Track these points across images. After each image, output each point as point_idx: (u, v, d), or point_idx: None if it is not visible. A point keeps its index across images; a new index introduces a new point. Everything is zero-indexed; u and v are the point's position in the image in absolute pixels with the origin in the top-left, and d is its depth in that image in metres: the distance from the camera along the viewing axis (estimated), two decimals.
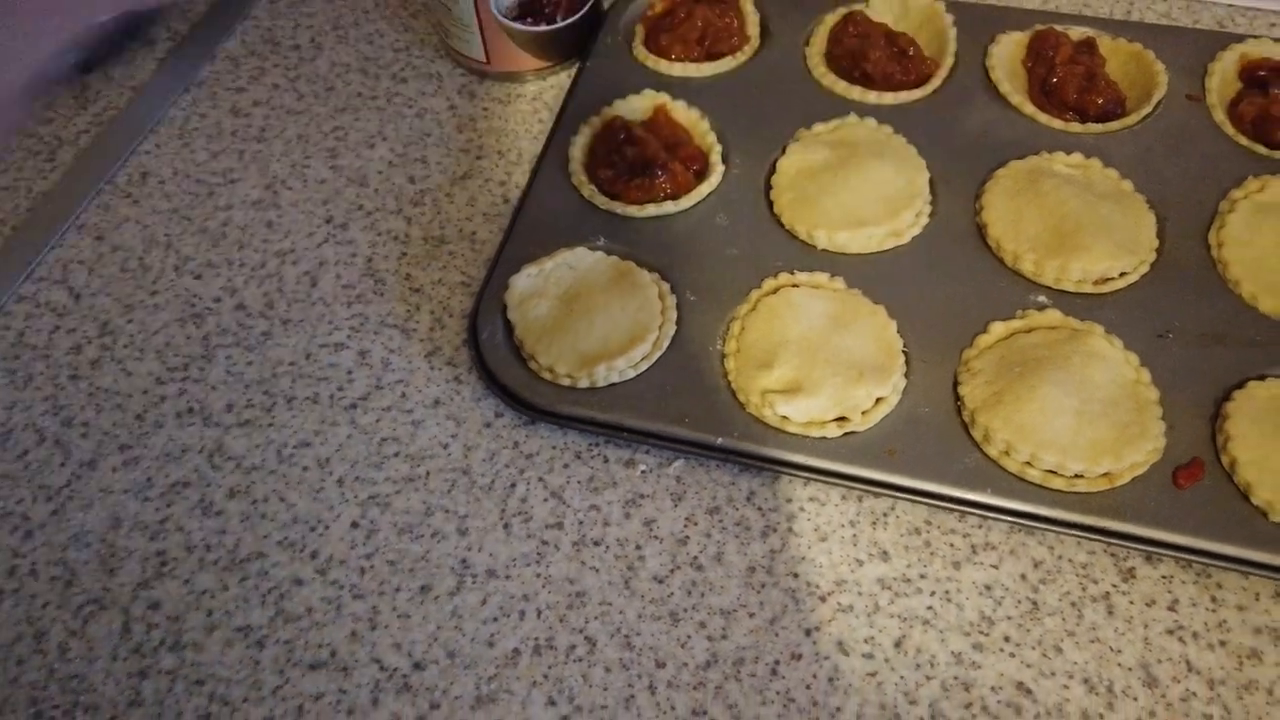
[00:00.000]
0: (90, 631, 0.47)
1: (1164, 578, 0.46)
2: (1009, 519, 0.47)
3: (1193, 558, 0.45)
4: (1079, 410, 0.47)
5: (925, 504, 0.48)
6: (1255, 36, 0.63)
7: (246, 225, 0.61)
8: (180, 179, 0.64)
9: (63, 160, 0.65)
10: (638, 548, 0.48)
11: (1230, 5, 0.70)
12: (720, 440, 0.49)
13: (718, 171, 0.59)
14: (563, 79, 0.68)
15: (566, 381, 0.51)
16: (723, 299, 0.54)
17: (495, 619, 0.46)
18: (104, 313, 0.58)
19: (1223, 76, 0.61)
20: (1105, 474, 0.46)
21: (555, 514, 0.49)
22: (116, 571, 0.48)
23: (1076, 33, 0.64)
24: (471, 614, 0.46)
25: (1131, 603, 0.46)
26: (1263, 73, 0.61)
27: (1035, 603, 0.46)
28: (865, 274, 0.54)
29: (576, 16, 0.65)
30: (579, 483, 0.50)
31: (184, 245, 0.61)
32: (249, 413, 0.53)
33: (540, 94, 0.68)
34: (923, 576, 0.47)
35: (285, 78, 0.70)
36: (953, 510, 0.48)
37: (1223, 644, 0.44)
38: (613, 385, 0.51)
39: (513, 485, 0.50)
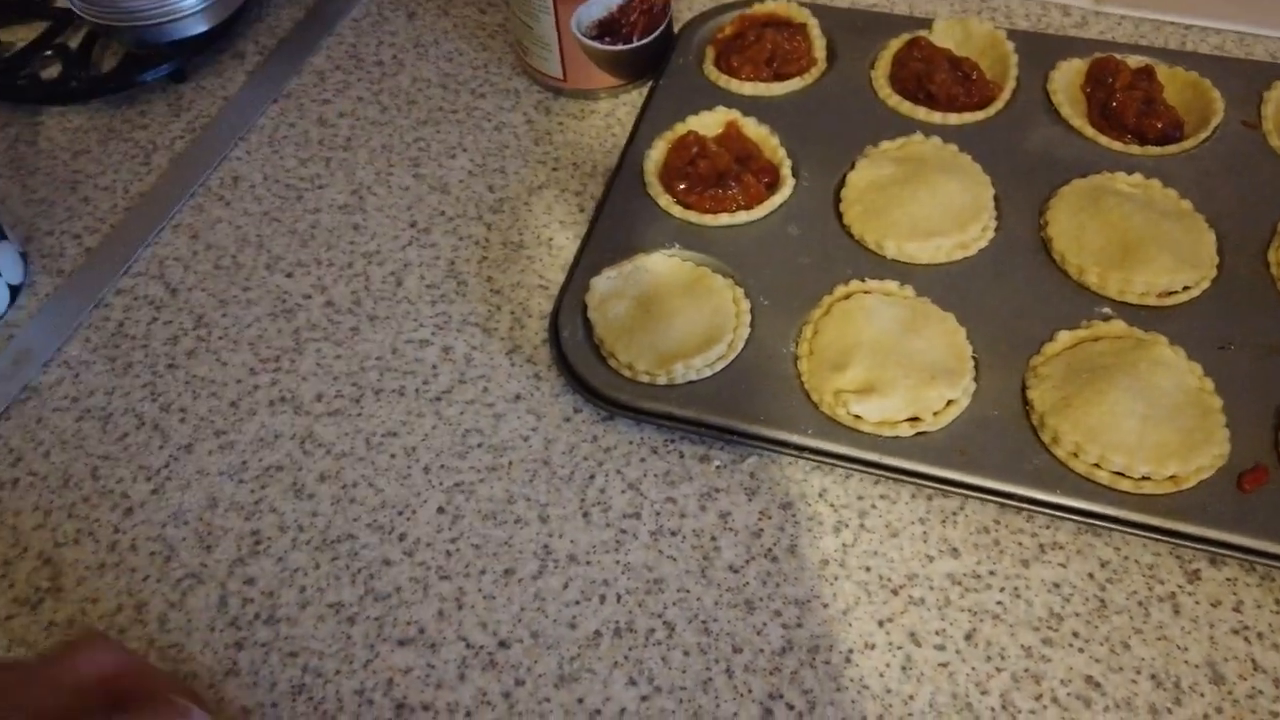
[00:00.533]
0: (189, 604, 0.49)
1: (1229, 580, 0.47)
2: (1077, 519, 0.48)
3: (1257, 560, 0.46)
4: (1146, 415, 0.49)
5: (995, 503, 0.49)
6: None
7: (334, 228, 0.64)
8: (270, 183, 0.67)
9: (158, 164, 0.69)
10: (713, 538, 0.50)
11: None
12: (794, 437, 0.51)
13: (789, 184, 0.61)
14: (634, 97, 0.71)
15: (645, 379, 0.53)
16: (795, 304, 0.56)
17: (577, 602, 0.48)
18: (199, 306, 0.61)
19: (1278, 105, 0.63)
20: (1172, 477, 0.48)
21: (633, 504, 0.51)
22: (213, 548, 0.50)
23: (1134, 61, 0.66)
24: (554, 596, 0.48)
25: (1197, 603, 0.47)
26: None
27: (1103, 600, 0.47)
28: (934, 283, 0.56)
29: (651, 37, 0.68)
30: (655, 476, 0.52)
31: (274, 245, 0.64)
32: (338, 403, 0.56)
33: (613, 110, 0.70)
34: (992, 573, 0.48)
35: (369, 91, 0.73)
36: (1021, 510, 0.49)
37: None
38: (690, 383, 0.53)
39: (591, 476, 0.52)
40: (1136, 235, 0.55)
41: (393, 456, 0.53)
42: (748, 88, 0.67)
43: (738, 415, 0.52)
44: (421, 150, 0.69)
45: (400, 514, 0.51)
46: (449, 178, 0.67)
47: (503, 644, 0.47)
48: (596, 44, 0.66)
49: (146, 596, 0.49)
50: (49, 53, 0.76)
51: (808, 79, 0.67)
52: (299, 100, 0.72)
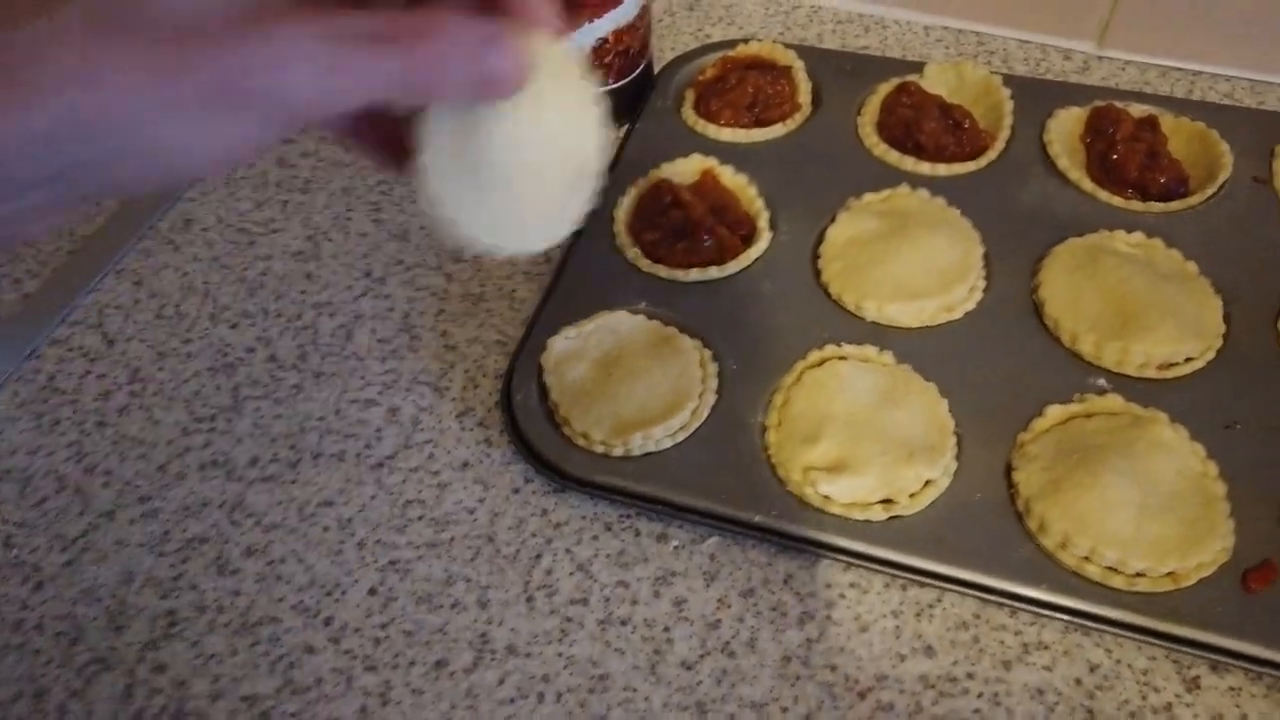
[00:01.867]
0: (91, 693, 0.45)
1: (1231, 689, 0.43)
2: (1065, 617, 0.44)
3: (1263, 669, 0.42)
4: (1142, 503, 0.44)
5: (975, 596, 0.45)
6: None
7: (285, 275, 0.61)
8: (223, 227, 0.64)
9: (106, 205, 0.66)
10: (666, 629, 0.46)
11: None
12: (758, 518, 0.47)
13: (765, 237, 0.57)
14: (613, 141, 0.67)
15: (600, 449, 0.49)
16: (766, 369, 0.52)
17: (513, 700, 0.44)
18: (136, 359, 0.57)
19: None
20: (1170, 574, 0.43)
21: (581, 589, 0.47)
22: (124, 630, 0.47)
23: (1137, 110, 0.62)
24: (488, 693, 0.44)
25: (1195, 715, 0.42)
26: None
27: (1091, 710, 0.42)
28: (916, 349, 0.52)
29: (627, 79, 0.64)
30: (608, 556, 0.48)
31: (221, 293, 0.60)
32: (273, 467, 0.52)
33: None
34: (970, 676, 0.44)
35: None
36: (1004, 605, 0.45)
37: None
38: (648, 454, 0.49)
39: (538, 556, 0.48)
40: (1136, 300, 0.51)
41: (326, 529, 0.50)
42: (726, 133, 0.63)
43: (697, 492, 0.48)
44: (384, 194, 0.65)
45: (329, 594, 0.47)
46: (410, 224, 0.63)
47: None
48: None
49: (48, 683, 0.45)
50: None
51: (791, 125, 0.64)
52: None
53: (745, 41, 0.68)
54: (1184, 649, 0.43)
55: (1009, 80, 0.64)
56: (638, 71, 0.65)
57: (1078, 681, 0.43)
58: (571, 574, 0.47)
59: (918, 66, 0.65)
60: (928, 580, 0.45)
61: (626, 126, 0.65)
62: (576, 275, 0.57)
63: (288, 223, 0.64)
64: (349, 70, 0.26)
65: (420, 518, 0.50)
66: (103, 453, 0.53)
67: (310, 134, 0.70)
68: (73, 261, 0.62)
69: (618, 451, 0.49)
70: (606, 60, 0.62)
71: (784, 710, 0.43)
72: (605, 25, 0.61)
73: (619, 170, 0.62)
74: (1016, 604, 0.44)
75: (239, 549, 0.49)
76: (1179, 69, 0.69)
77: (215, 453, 0.53)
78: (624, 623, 0.46)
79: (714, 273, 0.55)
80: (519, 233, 0.35)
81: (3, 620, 0.47)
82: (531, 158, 0.33)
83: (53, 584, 0.48)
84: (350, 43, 0.26)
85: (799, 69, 0.66)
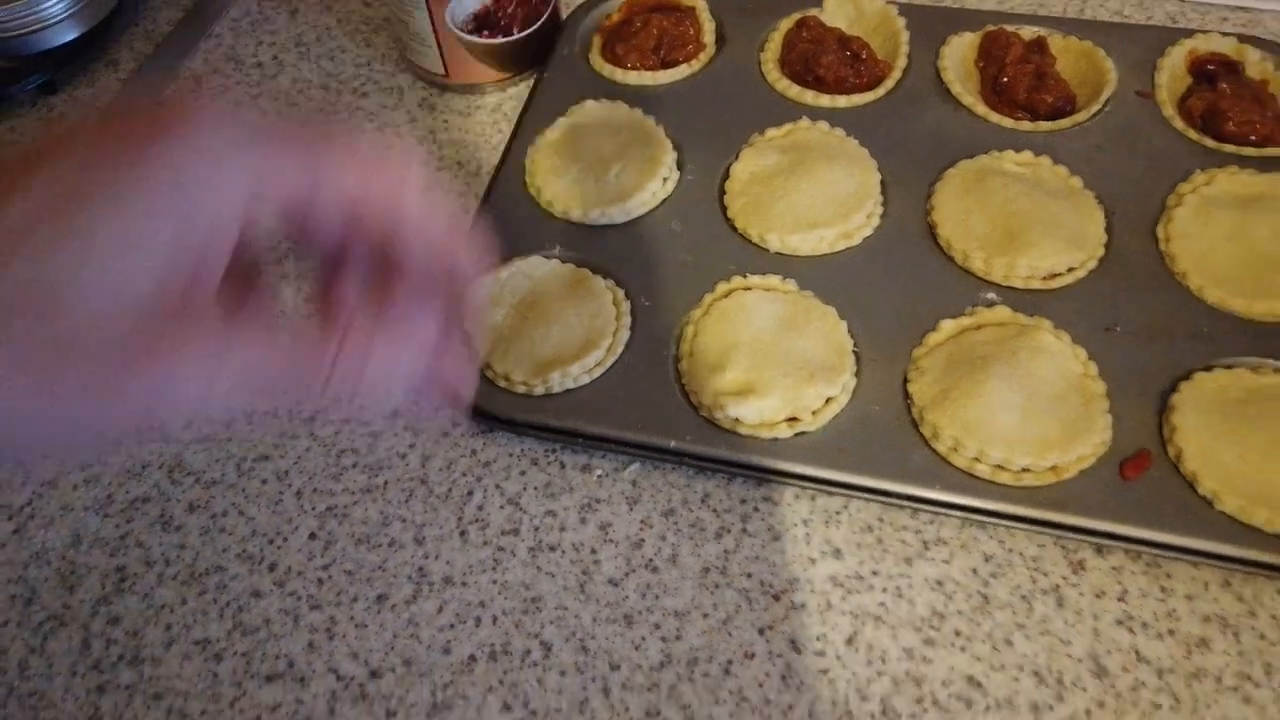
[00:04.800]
0: (50, 648, 0.47)
1: (1114, 569, 0.46)
2: (959, 514, 0.47)
3: (1142, 548, 0.46)
4: (1025, 405, 0.48)
5: (878, 501, 0.48)
6: (1204, 31, 0.63)
7: None
8: None
9: None
10: (593, 551, 0.48)
11: (1182, 0, 0.70)
12: (674, 443, 0.49)
13: (672, 178, 0.59)
14: (522, 90, 0.68)
15: (522, 389, 0.52)
16: (676, 304, 0.54)
17: (451, 625, 0.47)
18: None
19: (1172, 72, 0.62)
20: (1052, 467, 0.47)
21: (512, 520, 0.50)
22: (76, 588, 0.49)
23: (1028, 32, 0.64)
24: (428, 621, 0.47)
25: (1081, 594, 0.46)
26: (1211, 67, 0.62)
27: (986, 596, 0.46)
28: (817, 276, 0.54)
29: (533, 28, 0.65)
30: (535, 489, 0.51)
31: None
32: (208, 428, 0.54)
33: (500, 105, 0.68)
34: (875, 573, 0.47)
35: (247, 95, 0.70)
36: (904, 507, 0.48)
37: (1171, 633, 0.45)
38: (568, 391, 0.51)
39: (470, 493, 0.51)
40: (1022, 217, 0.54)
41: (264, 482, 0.52)
42: (633, 77, 0.64)
43: (616, 423, 0.50)
44: None
45: (270, 542, 0.50)
46: None
47: (374, 674, 0.45)
48: (474, 38, 0.64)
49: (6, 643, 0.47)
50: None
51: (695, 65, 0.65)
52: None
53: None
54: (1069, 535, 0.46)
55: (905, 9, 0.66)
56: (542, 20, 0.66)
57: (974, 571, 0.47)
58: (502, 507, 0.50)
59: (818, 1, 0.67)
60: (834, 489, 0.48)
61: (535, 75, 0.66)
62: (491, 224, 0.58)
63: None
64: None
65: (354, 465, 0.52)
66: None
67: (224, 99, 0.70)
68: None
69: (538, 390, 0.51)
70: (509, 10, 0.63)
71: (705, 616, 0.46)
72: None
73: (529, 119, 0.63)
74: (915, 505, 0.48)
75: (181, 505, 0.51)
76: None
77: None
78: (553, 548, 0.49)
79: (618, 216, 0.57)
80: None
81: None
82: None
83: (2, 551, 0.50)
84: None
85: (702, 9, 0.67)
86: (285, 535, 0.50)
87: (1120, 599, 0.46)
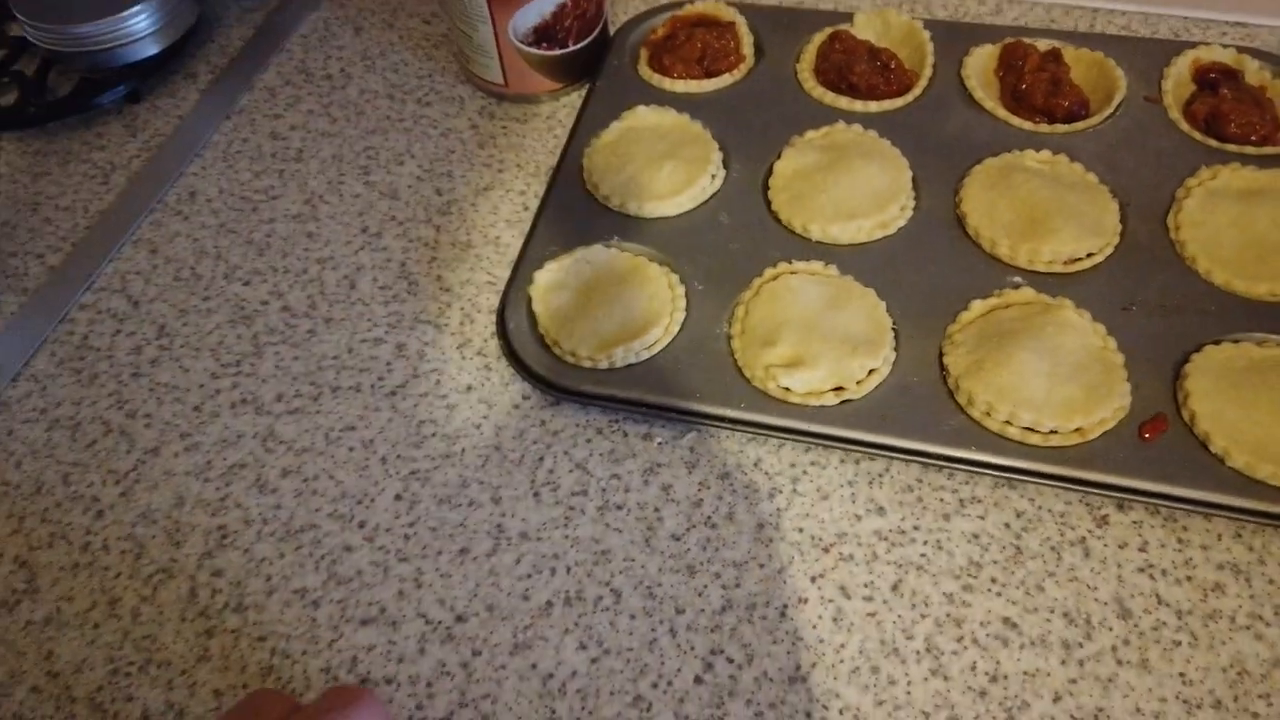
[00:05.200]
0: (160, 597, 0.51)
1: (1134, 523, 0.51)
2: (993, 473, 0.52)
3: (1160, 503, 0.50)
4: (1051, 373, 0.52)
5: (917, 462, 0.53)
6: (1206, 44, 0.69)
7: (289, 236, 0.67)
8: (226, 197, 0.70)
9: (116, 183, 0.71)
10: (656, 510, 0.53)
11: (1185, 17, 0.76)
12: (729, 411, 0.54)
13: (720, 175, 0.64)
14: (574, 99, 0.74)
15: (588, 364, 0.56)
16: (727, 287, 0.59)
17: (529, 575, 0.51)
18: (161, 317, 0.63)
19: (1177, 79, 0.67)
20: (1077, 429, 0.51)
21: (580, 483, 0.54)
22: (182, 544, 0.53)
23: (1044, 44, 0.70)
24: (507, 572, 0.51)
25: (1105, 545, 0.50)
26: (1213, 75, 0.67)
27: (1018, 548, 0.50)
28: (856, 261, 0.59)
29: (586, 41, 0.71)
30: (601, 455, 0.55)
31: (232, 255, 0.66)
32: (297, 401, 0.58)
33: (554, 113, 0.73)
34: (916, 528, 0.51)
35: (319, 104, 0.76)
36: (942, 468, 0.53)
37: (1189, 579, 0.49)
38: (630, 366, 0.56)
39: (541, 459, 0.55)
40: (1044, 208, 0.59)
41: (351, 449, 0.56)
42: (679, 85, 0.70)
43: (675, 394, 0.55)
44: (371, 159, 0.71)
45: (359, 503, 0.54)
46: (398, 183, 0.70)
47: (460, 618, 0.50)
48: (534, 50, 0.70)
49: (119, 593, 0.51)
50: (5, 80, 0.78)
51: (737, 75, 0.71)
52: (251, 116, 0.75)
53: (691, 1, 0.74)
54: (1094, 491, 0.51)
55: (930, 24, 0.71)
56: (595, 33, 0.71)
57: (1006, 525, 0.51)
58: (571, 471, 0.55)
59: (847, 16, 0.73)
60: (877, 452, 0.53)
61: (588, 85, 0.72)
62: (554, 217, 0.63)
63: (285, 189, 0.70)
64: None
65: (434, 434, 0.57)
66: (141, 399, 0.59)
67: (298, 109, 0.75)
68: (90, 236, 0.68)
69: (603, 365, 0.56)
70: (566, 24, 0.69)
71: (760, 566, 0.51)
72: None
73: (585, 123, 0.68)
74: (952, 465, 0.52)
75: (275, 471, 0.56)
76: (1080, 6, 0.77)
77: (243, 392, 0.59)
78: (619, 507, 0.53)
79: (670, 209, 0.62)
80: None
81: (71, 544, 0.53)
82: None
83: (111, 511, 0.54)
84: None
85: (741, 24, 0.73)
86: (373, 497, 0.54)
87: (1141, 549, 0.50)
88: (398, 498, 0.54)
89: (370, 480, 0.55)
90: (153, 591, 0.51)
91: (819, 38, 0.72)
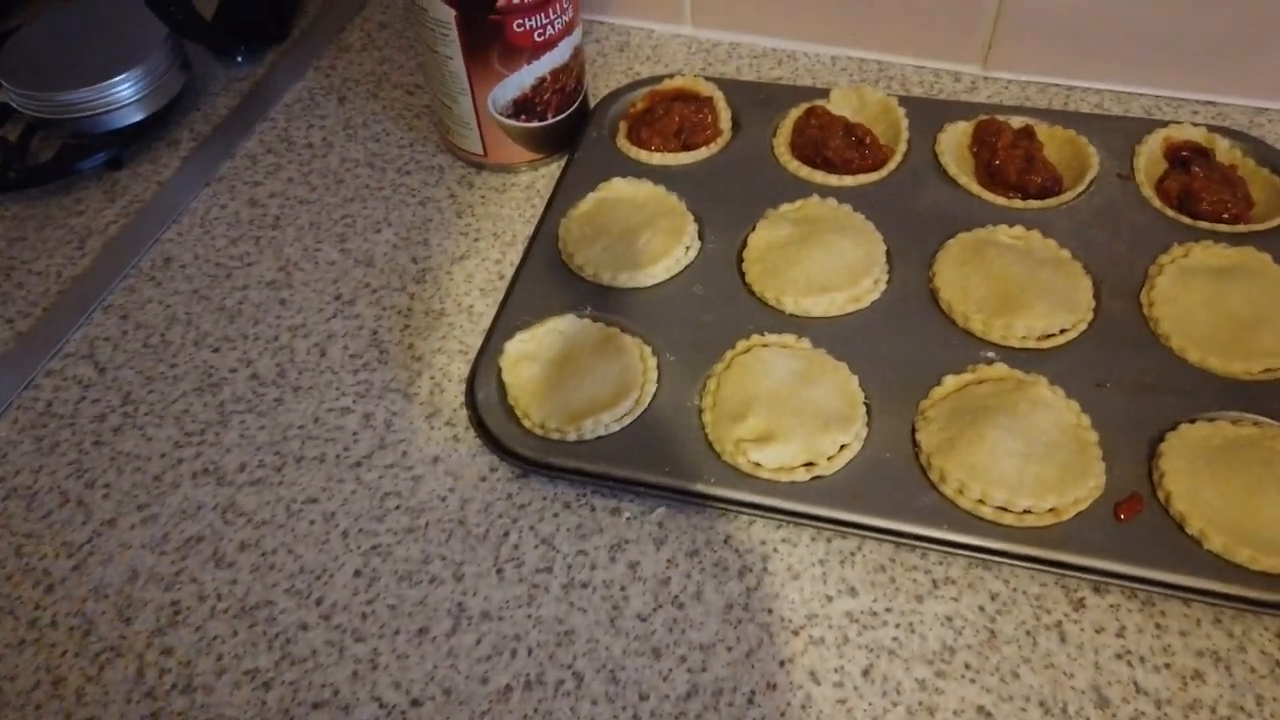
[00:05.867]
0: (106, 677, 0.49)
1: (1111, 606, 0.50)
2: (966, 554, 0.50)
3: (1137, 586, 0.49)
4: (1025, 452, 0.51)
5: (889, 542, 0.52)
6: (1178, 122, 0.70)
7: (261, 303, 0.67)
8: (200, 263, 0.70)
9: (92, 248, 0.71)
10: (622, 589, 0.51)
11: (1157, 95, 0.77)
12: (699, 486, 0.53)
13: (694, 246, 0.64)
14: (553, 169, 0.74)
15: (556, 436, 0.55)
16: (699, 359, 0.58)
17: (489, 657, 0.49)
18: (127, 384, 0.62)
19: (1149, 157, 0.68)
20: (1051, 509, 0.50)
21: (545, 559, 0.53)
22: (132, 621, 0.51)
23: (1017, 121, 0.70)
24: (466, 653, 0.49)
25: (1082, 630, 0.49)
26: (1185, 153, 0.68)
27: (993, 632, 0.49)
28: (829, 335, 0.59)
29: (565, 114, 0.72)
30: (568, 530, 0.54)
31: (203, 322, 0.66)
32: (260, 472, 0.57)
33: (533, 183, 0.74)
34: (888, 610, 0.50)
35: (299, 172, 0.76)
36: (915, 547, 0.51)
37: (1168, 666, 0.47)
38: (599, 438, 0.55)
39: (506, 534, 0.54)
40: (1017, 283, 0.59)
41: (312, 523, 0.55)
42: (656, 158, 0.70)
43: (644, 468, 0.54)
44: (348, 226, 0.72)
45: (318, 579, 0.53)
46: (374, 251, 0.70)
47: (415, 702, 0.48)
48: (513, 122, 0.70)
49: (65, 671, 0.50)
50: None
51: (714, 148, 0.71)
52: (231, 183, 0.75)
53: (670, 76, 0.76)
54: (1069, 574, 0.49)
55: (905, 101, 0.72)
56: (574, 107, 0.72)
57: (981, 608, 0.50)
58: (536, 547, 0.53)
59: (824, 92, 0.74)
60: (848, 530, 0.52)
61: (567, 156, 0.72)
62: (528, 286, 0.63)
63: (260, 256, 0.70)
64: None
65: (397, 507, 0.55)
66: (101, 468, 0.58)
67: (278, 176, 0.76)
68: (61, 301, 0.67)
69: (572, 437, 0.55)
70: (545, 97, 0.70)
71: (728, 649, 0.49)
72: (543, 66, 0.68)
73: (562, 193, 0.68)
74: (925, 545, 0.51)
75: (233, 544, 0.54)
76: (1055, 85, 0.79)
77: (206, 462, 0.58)
78: (585, 585, 0.52)
79: (645, 280, 0.62)
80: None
81: (18, 619, 0.52)
82: None
83: (63, 585, 0.53)
84: None
85: (719, 99, 0.74)
86: (331, 572, 0.53)
87: (1119, 634, 0.49)
88: (357, 574, 0.53)
89: (330, 555, 0.54)
90: (99, 671, 0.50)
91: (795, 113, 0.72)
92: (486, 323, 0.63)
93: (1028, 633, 0.49)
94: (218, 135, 0.79)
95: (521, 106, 0.70)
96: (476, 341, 0.63)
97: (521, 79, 0.68)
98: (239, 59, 0.85)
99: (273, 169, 0.76)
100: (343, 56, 0.86)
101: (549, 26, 0.66)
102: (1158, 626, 0.49)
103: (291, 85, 0.84)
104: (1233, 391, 0.55)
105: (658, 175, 0.69)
